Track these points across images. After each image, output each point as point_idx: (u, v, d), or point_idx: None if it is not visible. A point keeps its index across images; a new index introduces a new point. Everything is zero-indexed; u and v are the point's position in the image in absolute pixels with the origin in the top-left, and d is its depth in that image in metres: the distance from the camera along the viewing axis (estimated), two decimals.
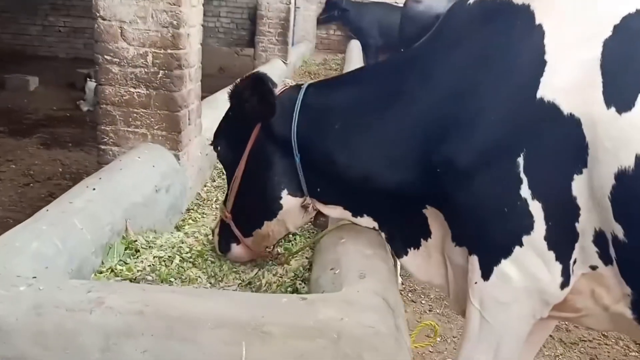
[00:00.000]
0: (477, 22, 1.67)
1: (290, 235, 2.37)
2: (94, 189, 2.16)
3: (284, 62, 7.48)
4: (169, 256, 2.16)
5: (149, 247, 2.18)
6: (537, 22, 1.54)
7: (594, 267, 1.52)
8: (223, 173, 3.74)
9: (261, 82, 1.94)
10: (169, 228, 2.70)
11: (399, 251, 1.97)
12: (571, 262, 1.54)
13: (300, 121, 1.93)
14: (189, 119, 3.04)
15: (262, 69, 6.72)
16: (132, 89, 2.84)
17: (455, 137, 1.65)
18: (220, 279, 2.19)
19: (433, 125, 1.70)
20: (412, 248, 1.94)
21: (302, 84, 2.05)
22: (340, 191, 1.95)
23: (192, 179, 3.17)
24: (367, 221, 1.98)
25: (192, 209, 3.12)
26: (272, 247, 2.22)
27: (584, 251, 1.51)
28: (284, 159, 1.96)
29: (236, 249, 2.14)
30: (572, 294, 1.59)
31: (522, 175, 1.51)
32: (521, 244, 1.56)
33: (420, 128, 1.73)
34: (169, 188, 2.74)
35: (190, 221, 2.93)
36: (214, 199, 3.31)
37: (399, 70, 1.88)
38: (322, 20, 11.38)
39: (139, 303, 1.43)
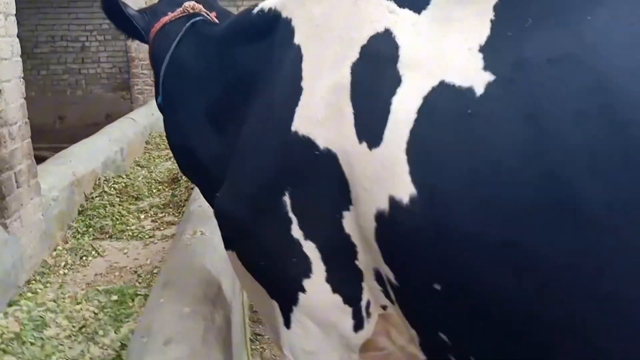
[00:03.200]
0: (250, 36, 1.56)
1: None
2: None
3: (132, 119, 6.27)
4: None
5: None
6: (296, 41, 1.43)
7: (384, 307, 1.42)
8: (79, 232, 3.47)
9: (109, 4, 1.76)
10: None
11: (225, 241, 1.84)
12: (363, 303, 1.43)
13: (170, 62, 1.76)
14: (16, 182, 2.75)
15: (109, 128, 5.57)
16: None
17: (225, 183, 1.57)
18: None
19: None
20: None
21: (195, 15, 1.86)
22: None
23: (31, 246, 2.87)
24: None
25: (35, 280, 2.81)
26: None
27: (372, 291, 1.40)
28: None
29: None
30: (375, 335, 1.50)
31: (291, 215, 1.39)
32: (304, 290, 1.43)
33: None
34: None
35: (29, 294, 2.62)
36: (63, 264, 3.02)
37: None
38: None
39: None
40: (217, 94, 1.68)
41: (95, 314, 2.25)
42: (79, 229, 3.46)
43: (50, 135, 8.37)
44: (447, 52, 1.21)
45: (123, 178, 4.34)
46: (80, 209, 3.70)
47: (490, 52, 1.13)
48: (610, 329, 0.96)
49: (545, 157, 0.97)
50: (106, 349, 1.90)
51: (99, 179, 4.12)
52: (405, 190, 1.18)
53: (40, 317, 2.16)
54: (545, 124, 0.98)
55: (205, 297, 1.80)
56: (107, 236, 3.42)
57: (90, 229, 3.47)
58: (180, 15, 1.89)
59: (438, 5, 1.29)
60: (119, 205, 3.85)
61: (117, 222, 3.55)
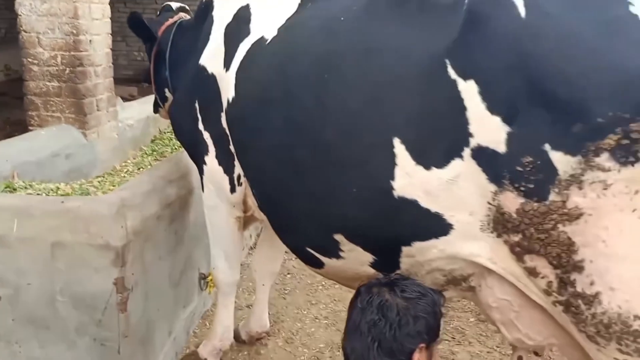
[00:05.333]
0: (198, 14, 2.50)
1: None
2: None
3: None
4: (38, 193, 3.01)
5: (25, 188, 3.04)
6: (213, 13, 2.32)
7: (245, 176, 2.26)
8: (146, 154, 4.64)
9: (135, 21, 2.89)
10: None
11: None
12: (235, 174, 2.27)
13: (172, 45, 2.80)
14: (97, 107, 3.93)
15: None
16: (48, 83, 3.77)
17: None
18: None
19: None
20: None
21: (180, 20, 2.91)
22: None
23: (104, 154, 4.05)
24: None
25: (102, 176, 3.99)
26: None
27: (240, 166, 2.24)
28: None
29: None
30: (246, 197, 2.33)
31: (198, 115, 2.28)
32: (205, 163, 2.32)
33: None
34: (69, 156, 3.63)
35: (92, 180, 3.80)
36: (125, 170, 4.18)
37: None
38: None
39: None
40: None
41: None
42: (147, 152, 4.63)
43: None
44: (275, 19, 2.01)
45: None
46: (153, 138, 4.89)
47: (286, 19, 1.93)
48: None
49: (269, 76, 1.78)
50: None
51: None
52: (231, 94, 2.02)
53: (87, 188, 3.27)
54: (276, 61, 1.79)
55: (164, 177, 2.75)
56: (163, 159, 4.55)
57: (155, 152, 4.61)
58: (176, 20, 2.89)
59: None
60: None
61: (174, 150, 4.66)
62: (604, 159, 1.29)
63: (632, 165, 1.27)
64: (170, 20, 2.95)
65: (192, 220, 2.94)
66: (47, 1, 3.64)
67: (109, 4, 4.02)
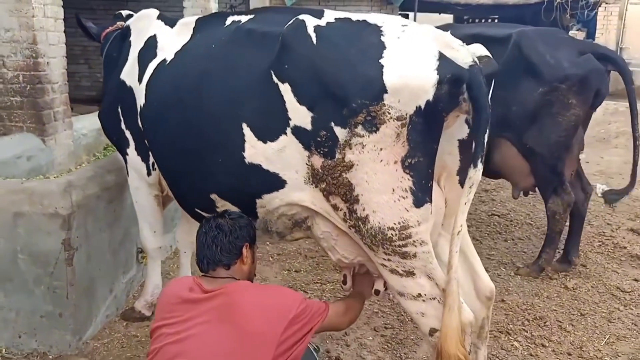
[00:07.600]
0: (122, 36, 3.29)
1: None
2: None
3: None
4: None
5: None
6: (131, 38, 3.11)
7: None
8: (99, 158, 5.35)
9: (78, 21, 3.63)
10: None
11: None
12: (150, 162, 3.03)
13: (107, 50, 3.52)
14: (54, 118, 4.63)
15: None
16: (12, 98, 4.47)
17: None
18: None
19: None
20: None
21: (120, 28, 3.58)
22: None
23: (61, 157, 4.74)
24: None
25: (58, 176, 4.67)
26: None
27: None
28: None
29: None
30: (160, 179, 3.09)
31: (120, 118, 3.04)
32: (128, 154, 3.08)
33: None
34: (30, 158, 4.32)
35: (49, 177, 4.48)
36: None
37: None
38: None
39: None
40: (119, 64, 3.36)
41: None
42: (100, 157, 5.34)
43: None
44: (174, 45, 2.79)
45: None
46: (105, 145, 5.59)
47: (181, 46, 2.72)
48: None
49: (168, 87, 2.57)
50: None
51: None
52: (143, 101, 2.79)
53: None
54: (172, 76, 2.58)
55: (104, 167, 3.49)
56: None
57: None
58: (115, 28, 3.63)
59: (179, 24, 2.89)
60: None
61: None
62: (360, 129, 2.11)
63: (375, 133, 2.10)
64: (110, 28, 3.64)
65: (129, 202, 3.66)
66: (10, 30, 4.36)
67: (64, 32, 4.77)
